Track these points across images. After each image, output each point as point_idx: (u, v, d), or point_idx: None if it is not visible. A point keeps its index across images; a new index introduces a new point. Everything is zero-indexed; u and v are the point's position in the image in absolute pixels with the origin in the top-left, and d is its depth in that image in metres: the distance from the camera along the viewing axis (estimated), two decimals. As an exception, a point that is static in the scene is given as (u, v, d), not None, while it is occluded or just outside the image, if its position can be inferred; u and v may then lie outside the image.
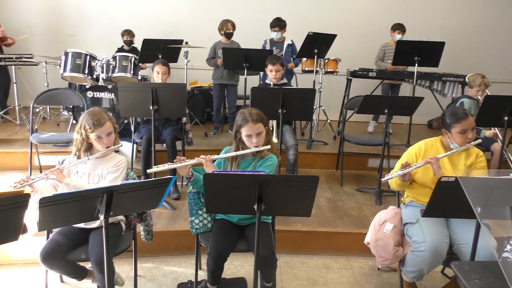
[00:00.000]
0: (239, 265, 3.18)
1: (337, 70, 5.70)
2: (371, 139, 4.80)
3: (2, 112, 5.43)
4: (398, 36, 5.72)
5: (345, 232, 3.43)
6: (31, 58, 5.40)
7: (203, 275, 2.90)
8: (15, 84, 5.47)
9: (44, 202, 1.69)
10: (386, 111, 3.90)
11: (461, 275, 1.86)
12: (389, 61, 5.64)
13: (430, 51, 4.92)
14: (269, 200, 1.97)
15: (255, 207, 1.97)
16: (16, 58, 5.30)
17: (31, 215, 1.77)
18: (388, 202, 3.99)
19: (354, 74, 5.77)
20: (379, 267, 3.18)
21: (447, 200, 2.24)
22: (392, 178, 2.65)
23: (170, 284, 2.93)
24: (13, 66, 5.42)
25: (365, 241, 2.98)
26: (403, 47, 5.01)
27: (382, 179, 2.70)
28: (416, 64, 5.01)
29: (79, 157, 2.43)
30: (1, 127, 5.02)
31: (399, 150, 4.96)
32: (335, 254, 3.41)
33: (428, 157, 2.63)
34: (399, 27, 5.78)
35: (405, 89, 6.50)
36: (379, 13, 6.71)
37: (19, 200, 1.63)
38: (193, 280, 2.76)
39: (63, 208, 1.80)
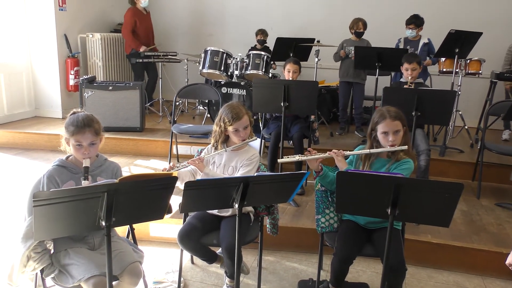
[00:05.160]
0: (361, 270, 3.09)
1: (480, 71, 5.19)
2: (519, 149, 4.29)
3: (148, 104, 6.04)
4: None
5: (482, 249, 3.12)
6: (175, 55, 5.92)
7: (323, 275, 2.89)
8: (160, 79, 6.06)
9: (189, 186, 1.83)
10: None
11: None
12: None
13: None
14: (404, 205, 1.87)
15: (388, 211, 1.89)
16: (163, 55, 5.86)
17: (173, 199, 1.93)
18: (535, 222, 3.55)
19: (500, 76, 5.21)
20: (523, 293, 2.83)
21: None
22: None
23: (290, 279, 2.97)
24: (160, 63, 6.00)
25: (507, 262, 2.66)
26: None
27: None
28: None
29: (216, 148, 2.58)
30: (146, 118, 5.58)
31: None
32: (468, 272, 3.12)
33: None
34: None
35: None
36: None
37: (168, 182, 1.79)
38: (315, 279, 2.75)
39: (204, 194, 1.94)
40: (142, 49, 5.96)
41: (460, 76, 5.15)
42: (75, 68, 5.95)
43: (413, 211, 1.93)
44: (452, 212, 1.88)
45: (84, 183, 2.05)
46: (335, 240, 2.46)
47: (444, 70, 5.22)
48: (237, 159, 2.57)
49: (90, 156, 2.14)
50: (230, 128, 2.50)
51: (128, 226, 2.44)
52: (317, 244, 2.66)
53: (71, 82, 5.93)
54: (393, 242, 2.22)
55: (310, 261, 3.19)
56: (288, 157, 2.43)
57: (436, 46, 4.94)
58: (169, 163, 2.49)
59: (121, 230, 2.61)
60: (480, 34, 4.68)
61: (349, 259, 2.36)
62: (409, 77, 4.00)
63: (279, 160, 2.50)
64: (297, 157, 2.39)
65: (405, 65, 4.03)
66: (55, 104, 5.97)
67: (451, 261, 3.15)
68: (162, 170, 2.37)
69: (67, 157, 2.24)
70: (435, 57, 5.10)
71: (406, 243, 2.76)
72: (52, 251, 2.17)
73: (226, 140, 2.58)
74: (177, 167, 2.36)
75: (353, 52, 5.10)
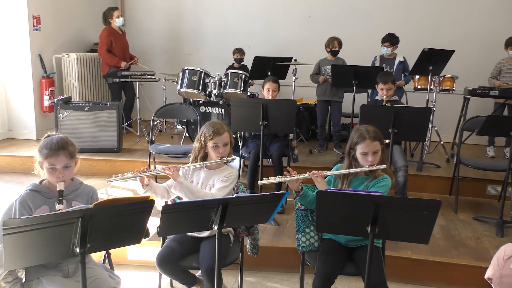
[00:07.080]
0: (343, 289, 3.07)
1: (453, 88, 5.33)
2: (493, 163, 4.39)
3: (126, 124, 5.97)
4: None
5: (462, 264, 3.15)
6: (153, 75, 5.89)
7: (306, 295, 2.85)
8: (138, 99, 6.01)
9: (167, 210, 1.79)
10: (513, 133, 3.53)
11: None
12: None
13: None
14: (384, 223, 1.87)
15: (368, 229, 1.89)
16: (140, 75, 5.82)
17: (151, 221, 1.88)
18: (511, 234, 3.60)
19: (472, 92, 5.33)
20: (503, 307, 2.84)
21: None
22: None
23: (272, 300, 2.93)
24: (137, 82, 5.96)
25: (486, 276, 2.68)
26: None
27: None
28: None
29: (194, 165, 2.58)
30: (124, 138, 5.50)
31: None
32: (449, 287, 3.13)
33: None
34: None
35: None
36: (502, 28, 6.15)
37: (144, 206, 1.75)
38: (297, 299, 2.72)
39: (182, 216, 1.90)
40: (123, 64, 5.91)
41: (435, 92, 5.27)
42: (50, 89, 5.84)
43: (392, 229, 1.94)
44: (431, 229, 1.89)
45: (59, 207, 1.99)
46: (316, 260, 2.44)
47: (419, 87, 5.34)
48: (214, 177, 2.56)
49: (65, 180, 2.08)
50: (209, 143, 2.51)
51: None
52: (299, 263, 2.64)
53: (46, 103, 5.82)
54: (374, 260, 2.22)
55: (291, 281, 3.16)
56: (268, 179, 2.43)
57: (411, 64, 5.06)
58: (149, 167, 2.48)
59: (98, 255, 2.52)
60: (452, 52, 4.81)
61: (331, 278, 2.34)
62: (385, 96, 4.06)
63: (259, 182, 2.50)
64: (277, 179, 2.39)
65: (380, 85, 4.08)
66: (28, 126, 5.83)
67: (432, 276, 3.16)
68: (135, 172, 2.33)
69: (41, 181, 2.17)
70: (410, 75, 5.21)
71: (387, 260, 2.75)
72: (24, 279, 2.08)
73: (205, 157, 2.60)
74: (151, 171, 2.37)
75: (329, 71, 5.17)
